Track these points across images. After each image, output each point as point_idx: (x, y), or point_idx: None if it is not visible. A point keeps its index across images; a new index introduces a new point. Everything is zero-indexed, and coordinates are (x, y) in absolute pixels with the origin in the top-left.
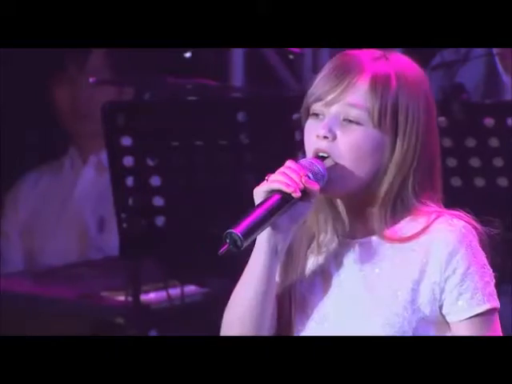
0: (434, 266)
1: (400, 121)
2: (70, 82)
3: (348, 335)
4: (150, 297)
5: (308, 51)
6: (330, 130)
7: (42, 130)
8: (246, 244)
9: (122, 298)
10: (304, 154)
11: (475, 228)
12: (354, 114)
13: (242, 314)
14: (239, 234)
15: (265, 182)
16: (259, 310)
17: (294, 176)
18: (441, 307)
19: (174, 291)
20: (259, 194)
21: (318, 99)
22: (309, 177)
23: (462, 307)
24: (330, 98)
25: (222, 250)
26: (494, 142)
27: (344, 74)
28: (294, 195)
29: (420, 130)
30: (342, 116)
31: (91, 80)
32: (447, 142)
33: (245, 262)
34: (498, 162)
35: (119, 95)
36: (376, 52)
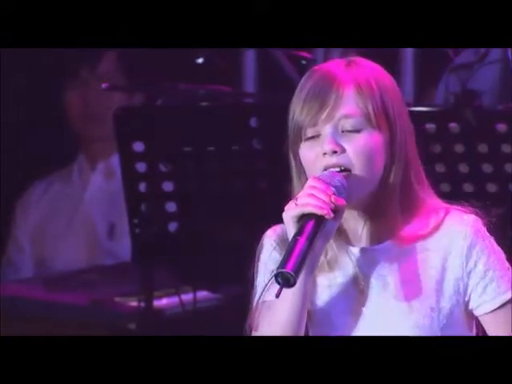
0: (454, 262)
1: (390, 118)
2: (82, 85)
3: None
4: (163, 302)
5: (320, 57)
6: (337, 144)
7: (53, 137)
8: (298, 279)
9: (134, 303)
10: None
11: (482, 220)
12: (351, 123)
13: (283, 324)
14: (291, 272)
15: (293, 205)
16: (296, 324)
17: (322, 196)
18: (467, 303)
19: (187, 297)
20: (291, 218)
21: (311, 125)
22: (334, 193)
23: (491, 297)
24: (322, 117)
25: (278, 292)
26: (506, 148)
27: (326, 90)
28: (327, 217)
29: (404, 124)
30: (340, 129)
31: (104, 86)
32: (459, 148)
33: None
34: (511, 168)
35: (129, 100)
36: (341, 60)
